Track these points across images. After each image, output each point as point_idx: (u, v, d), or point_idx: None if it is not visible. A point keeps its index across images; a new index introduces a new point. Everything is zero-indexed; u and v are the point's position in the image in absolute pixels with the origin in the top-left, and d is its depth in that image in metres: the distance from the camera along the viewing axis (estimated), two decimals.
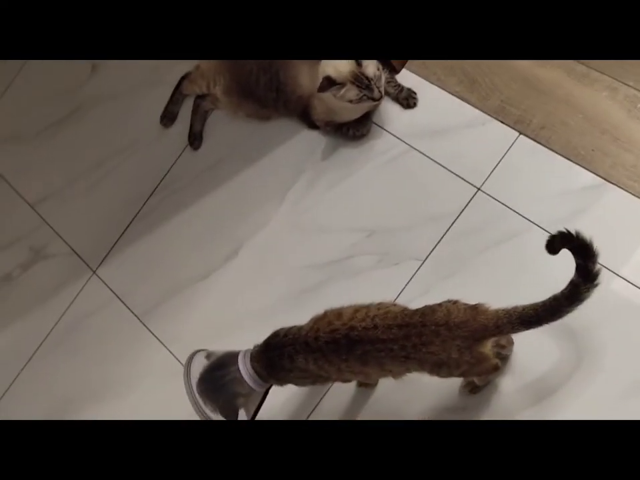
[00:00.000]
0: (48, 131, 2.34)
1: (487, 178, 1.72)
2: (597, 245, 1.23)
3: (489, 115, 1.76)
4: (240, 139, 2.06)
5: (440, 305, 1.32)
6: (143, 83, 2.24)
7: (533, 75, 1.73)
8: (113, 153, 2.22)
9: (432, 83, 1.85)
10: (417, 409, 1.62)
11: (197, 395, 1.44)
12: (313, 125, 1.94)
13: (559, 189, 1.65)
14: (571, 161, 1.65)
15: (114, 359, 1.99)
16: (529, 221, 1.65)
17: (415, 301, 1.42)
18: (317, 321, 1.41)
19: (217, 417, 1.45)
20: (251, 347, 1.47)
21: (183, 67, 2.11)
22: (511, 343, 1.50)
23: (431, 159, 1.79)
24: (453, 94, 1.81)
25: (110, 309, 2.05)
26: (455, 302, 1.32)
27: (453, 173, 1.76)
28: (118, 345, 2.01)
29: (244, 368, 1.44)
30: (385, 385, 1.63)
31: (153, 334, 1.97)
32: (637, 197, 1.59)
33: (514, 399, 1.55)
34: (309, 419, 1.71)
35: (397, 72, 1.88)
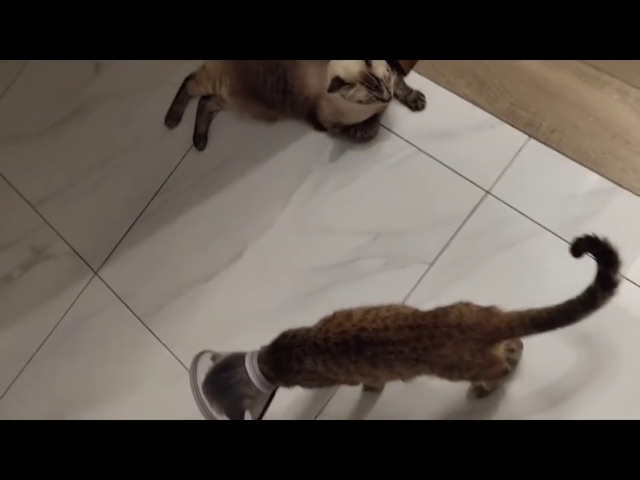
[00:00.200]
0: (50, 131, 2.32)
1: (496, 181, 1.70)
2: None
3: (498, 117, 1.75)
4: (245, 140, 2.05)
5: (452, 306, 1.30)
6: (147, 83, 2.22)
7: (542, 77, 1.72)
8: (115, 153, 2.20)
9: (440, 85, 1.84)
10: (423, 413, 1.60)
11: (202, 396, 1.42)
12: (319, 127, 1.93)
13: (569, 192, 1.64)
14: (582, 164, 1.64)
15: (115, 360, 1.97)
16: (539, 224, 1.64)
17: (422, 304, 1.40)
18: (325, 322, 1.40)
19: (222, 418, 1.43)
20: (257, 348, 1.45)
21: (188, 67, 2.10)
22: (521, 346, 1.48)
23: (439, 162, 1.78)
24: (461, 96, 1.80)
25: (112, 311, 2.03)
26: (468, 304, 1.31)
27: (461, 175, 1.75)
28: (119, 347, 1.99)
29: (251, 369, 1.42)
30: (391, 389, 1.61)
31: (155, 336, 1.95)
32: None
33: (522, 404, 1.53)
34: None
35: (405, 74, 1.87)
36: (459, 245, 1.70)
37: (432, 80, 1.85)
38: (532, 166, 1.69)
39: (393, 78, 1.76)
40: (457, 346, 1.26)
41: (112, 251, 2.10)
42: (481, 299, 1.33)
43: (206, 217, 2.02)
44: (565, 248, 1.58)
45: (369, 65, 1.69)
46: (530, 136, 1.70)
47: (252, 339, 1.45)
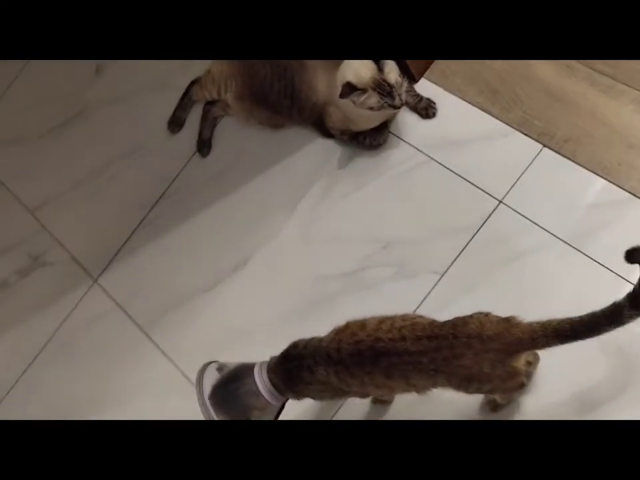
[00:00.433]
0: (50, 134, 2.27)
1: (509, 190, 1.68)
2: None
3: (511, 126, 1.72)
4: (250, 146, 2.01)
5: (471, 316, 1.27)
6: (150, 87, 2.19)
7: (556, 86, 1.70)
8: (117, 158, 2.16)
9: (451, 92, 1.81)
10: None
11: (209, 407, 1.38)
12: (327, 134, 1.89)
13: (583, 202, 1.62)
14: (597, 174, 1.62)
15: (114, 369, 1.92)
16: (552, 234, 1.61)
17: (433, 314, 1.35)
18: (338, 332, 1.36)
19: None
20: (265, 359, 1.41)
21: (192, 70, 2.06)
22: (538, 359, 1.45)
23: (451, 170, 1.75)
24: (473, 104, 1.78)
25: (111, 319, 1.98)
26: (487, 314, 1.27)
27: (473, 184, 1.72)
28: (119, 355, 1.93)
29: (260, 380, 1.38)
30: (401, 401, 1.58)
31: (156, 344, 1.90)
32: None
33: (536, 418, 1.50)
34: None
35: (416, 81, 1.85)
36: (471, 255, 1.67)
37: (443, 87, 1.83)
38: (546, 175, 1.66)
39: (405, 84, 1.73)
40: (477, 357, 1.22)
41: (112, 258, 2.05)
42: (494, 309, 1.29)
43: (209, 225, 1.98)
44: (579, 258, 1.58)
45: (380, 70, 1.66)
46: (544, 145, 1.68)
47: (256, 350, 1.41)
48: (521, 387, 1.42)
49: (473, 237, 1.68)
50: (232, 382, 1.41)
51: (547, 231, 1.62)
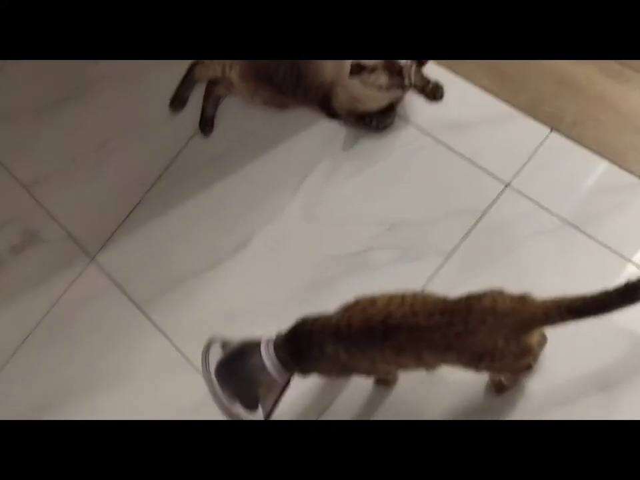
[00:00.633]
0: (48, 110, 2.23)
1: (517, 174, 1.67)
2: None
3: (518, 110, 1.72)
4: (254, 126, 1.99)
5: (484, 292, 1.26)
6: (152, 63, 2.13)
7: (565, 71, 1.70)
8: (116, 136, 2.13)
9: (459, 75, 1.81)
10: (437, 409, 1.55)
11: (216, 384, 1.36)
12: (333, 114, 1.88)
13: (591, 186, 1.62)
14: (604, 158, 1.62)
15: (111, 348, 1.89)
16: (560, 217, 1.61)
17: None
18: (348, 308, 1.35)
19: (234, 406, 1.37)
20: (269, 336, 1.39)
21: None
22: (545, 341, 1.44)
23: (457, 153, 1.75)
24: (481, 88, 1.77)
25: (108, 297, 1.95)
26: (500, 290, 1.27)
27: (480, 167, 1.72)
28: (116, 335, 1.90)
29: (267, 355, 1.36)
30: (404, 383, 1.57)
31: (154, 324, 1.87)
32: None
33: (541, 400, 1.49)
34: (322, 418, 1.62)
35: (424, 64, 1.84)
36: (476, 238, 1.66)
37: (451, 70, 1.82)
38: (553, 159, 1.66)
39: (413, 66, 1.72)
40: (491, 332, 1.22)
41: (110, 236, 2.02)
42: None
43: (210, 204, 1.96)
44: (586, 241, 1.58)
45: None
46: (551, 129, 1.68)
47: (257, 330, 1.40)
48: (528, 368, 1.42)
49: (478, 220, 1.67)
50: (238, 358, 1.39)
51: (554, 214, 1.62)
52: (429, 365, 1.33)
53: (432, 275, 1.66)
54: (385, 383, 1.59)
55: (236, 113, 2.02)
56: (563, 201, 1.62)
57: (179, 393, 1.76)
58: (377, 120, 1.81)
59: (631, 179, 1.59)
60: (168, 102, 2.08)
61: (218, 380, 1.37)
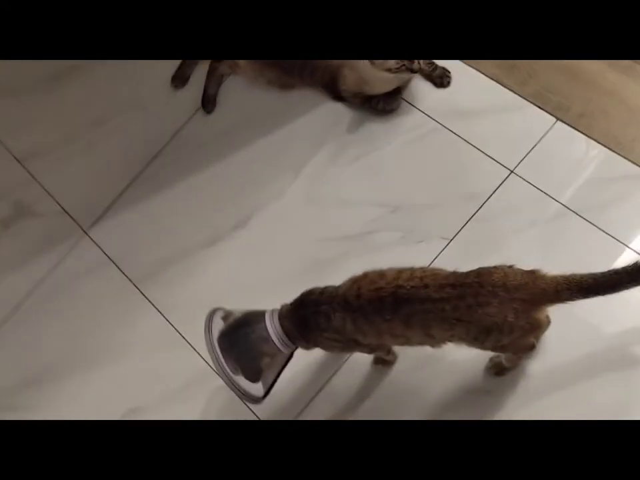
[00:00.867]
0: (45, 86, 2.19)
1: (521, 161, 1.68)
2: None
3: (526, 99, 1.74)
4: (257, 106, 1.98)
5: (496, 267, 1.27)
6: None
7: (574, 63, 1.72)
8: (115, 112, 2.10)
9: (467, 63, 1.82)
10: (436, 390, 1.55)
11: (219, 353, 1.34)
12: (338, 97, 1.88)
13: (596, 176, 1.64)
14: (610, 149, 1.64)
15: (104, 324, 1.85)
16: (563, 205, 1.62)
17: None
18: (356, 280, 1.34)
19: (238, 376, 1.35)
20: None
21: None
22: (549, 322, 1.44)
23: (462, 139, 1.76)
24: (489, 76, 1.79)
25: (102, 273, 1.91)
26: (511, 266, 1.27)
27: (484, 153, 1.72)
28: (109, 310, 1.86)
29: (271, 326, 1.35)
30: (403, 362, 1.56)
31: (149, 300, 1.84)
32: None
33: (541, 383, 1.50)
34: (320, 394, 1.61)
35: None
36: (480, 222, 1.67)
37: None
38: (559, 148, 1.68)
39: None
40: (502, 306, 1.22)
41: (105, 211, 1.99)
42: None
43: (211, 182, 1.94)
44: (589, 229, 1.59)
45: None
46: (557, 119, 1.70)
47: (253, 307, 1.39)
48: (530, 348, 1.42)
49: (482, 205, 1.68)
50: (241, 328, 1.38)
51: (557, 201, 1.63)
52: (435, 340, 1.33)
53: (434, 258, 1.66)
54: (383, 362, 1.58)
55: (239, 93, 2.01)
56: (567, 189, 1.64)
57: (172, 369, 1.73)
58: (384, 103, 1.81)
59: (635, 169, 1.61)
60: (170, 79, 2.06)
61: (221, 349, 1.34)
